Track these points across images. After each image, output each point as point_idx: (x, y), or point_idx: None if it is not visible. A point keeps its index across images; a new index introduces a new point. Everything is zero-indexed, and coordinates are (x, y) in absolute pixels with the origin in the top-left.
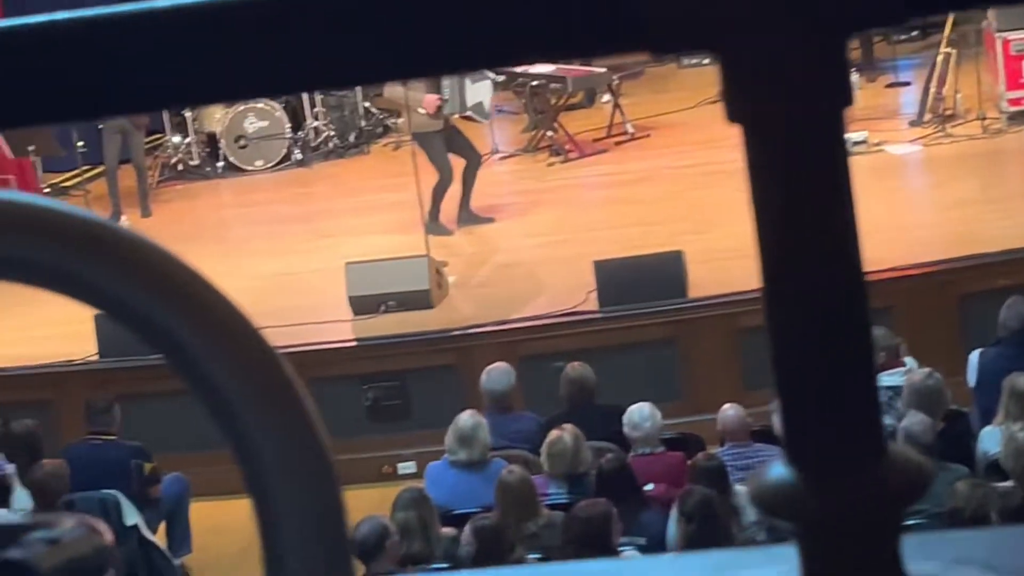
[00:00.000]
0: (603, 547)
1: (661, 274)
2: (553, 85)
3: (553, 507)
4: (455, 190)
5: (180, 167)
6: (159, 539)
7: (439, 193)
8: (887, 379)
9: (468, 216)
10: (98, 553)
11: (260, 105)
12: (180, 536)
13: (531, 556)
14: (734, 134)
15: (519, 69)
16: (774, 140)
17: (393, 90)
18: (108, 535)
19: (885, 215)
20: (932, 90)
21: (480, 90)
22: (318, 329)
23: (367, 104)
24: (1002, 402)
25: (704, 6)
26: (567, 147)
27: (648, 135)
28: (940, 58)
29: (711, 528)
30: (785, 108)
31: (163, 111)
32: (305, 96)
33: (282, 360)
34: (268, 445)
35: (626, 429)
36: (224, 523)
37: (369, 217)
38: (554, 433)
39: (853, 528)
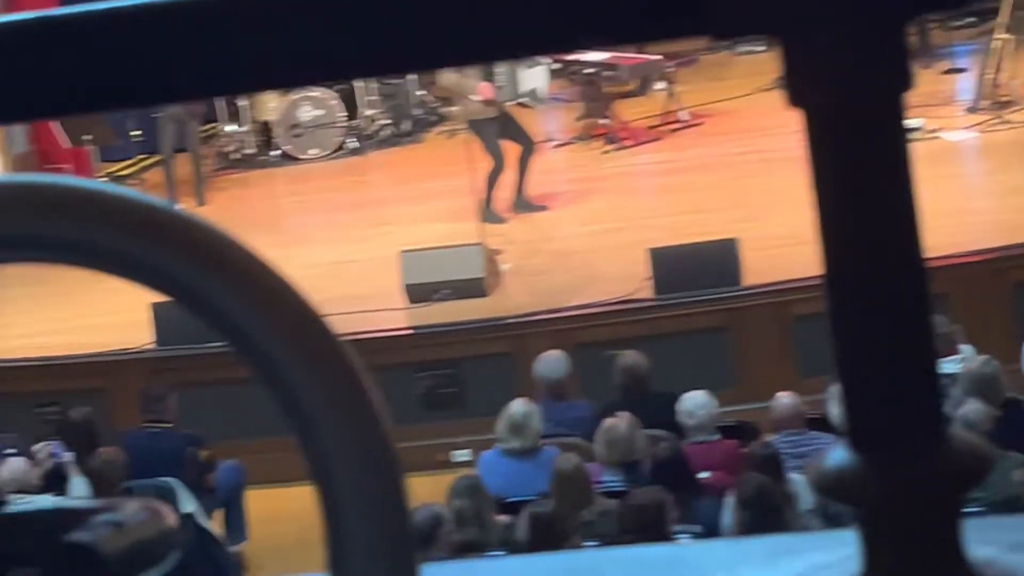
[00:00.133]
0: (658, 535)
1: (716, 262)
2: (607, 73)
3: (608, 495)
4: (509, 178)
5: (235, 156)
6: (215, 527)
7: (492, 181)
8: (944, 366)
9: (522, 204)
10: (163, 536)
11: (315, 94)
12: (236, 524)
13: (586, 543)
14: (788, 122)
15: (573, 57)
16: (835, 125)
17: (448, 78)
18: (172, 518)
19: (941, 202)
20: (988, 76)
21: (534, 76)
22: (373, 317)
23: (421, 92)
24: None
25: None
26: (621, 135)
27: (703, 123)
28: (997, 44)
29: (767, 516)
30: (846, 92)
31: (218, 98)
32: (360, 85)
33: (347, 347)
34: (333, 433)
35: (681, 417)
36: (280, 511)
37: (424, 205)
38: (609, 421)
39: (914, 512)
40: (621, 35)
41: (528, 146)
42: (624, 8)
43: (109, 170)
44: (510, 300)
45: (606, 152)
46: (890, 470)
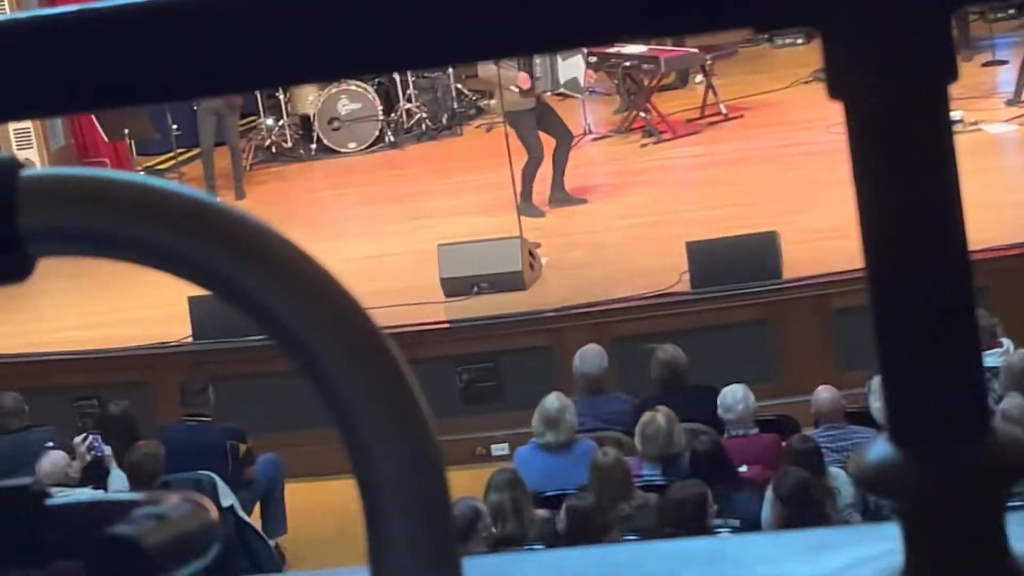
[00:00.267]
0: (698, 528)
1: (755, 255)
2: (646, 66)
3: (647, 488)
4: (547, 171)
5: (274, 149)
6: (254, 520)
7: (530, 173)
8: (985, 360)
9: (561, 197)
10: (205, 529)
11: (353, 87)
12: (275, 517)
13: (625, 537)
14: (827, 115)
15: (612, 50)
16: (877, 117)
17: (486, 69)
18: (214, 511)
19: (981, 195)
20: None
21: (573, 66)
22: (411, 311)
23: (459, 85)
24: None
25: None
26: (660, 128)
27: (742, 116)
28: None
29: (807, 510)
30: (888, 83)
31: (258, 92)
32: (398, 78)
33: (389, 340)
34: (374, 426)
35: (719, 411)
36: (319, 504)
37: (462, 199)
38: (648, 415)
39: (957, 506)
40: (660, 27)
41: (565, 138)
42: (663, 0)
43: (147, 164)
44: (548, 294)
45: (644, 145)
46: (932, 464)
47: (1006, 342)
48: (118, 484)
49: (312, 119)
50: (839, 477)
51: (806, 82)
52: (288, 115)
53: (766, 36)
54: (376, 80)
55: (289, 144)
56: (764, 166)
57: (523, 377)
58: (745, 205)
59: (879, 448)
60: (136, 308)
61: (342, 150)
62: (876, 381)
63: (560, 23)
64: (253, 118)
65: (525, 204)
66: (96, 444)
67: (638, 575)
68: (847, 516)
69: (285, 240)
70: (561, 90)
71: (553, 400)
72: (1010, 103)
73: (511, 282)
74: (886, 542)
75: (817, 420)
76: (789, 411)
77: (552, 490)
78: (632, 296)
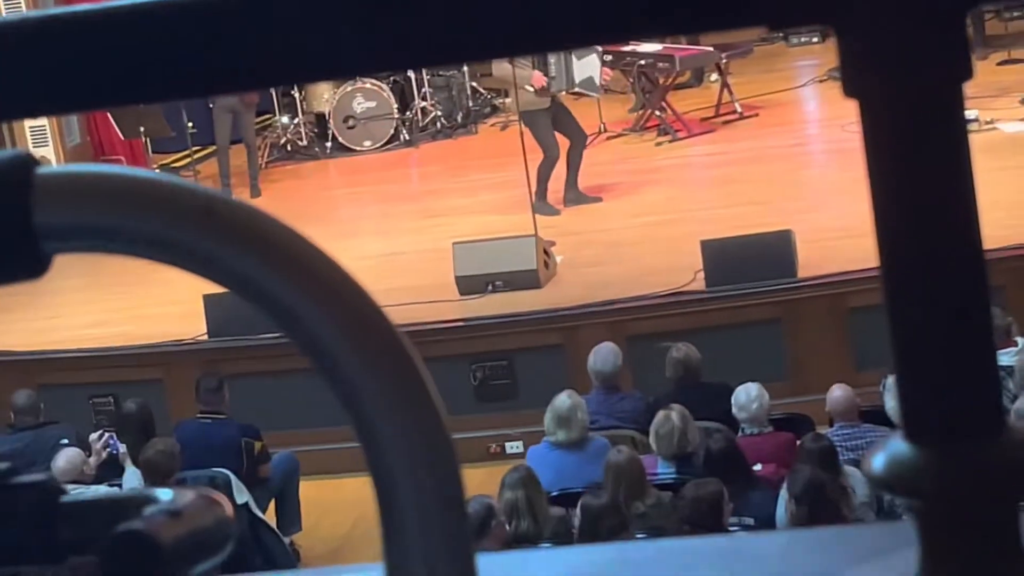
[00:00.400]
0: (714, 527)
1: (770, 254)
2: (661, 64)
3: (661, 487)
4: (562, 170)
5: (289, 147)
6: (269, 517)
7: (545, 172)
8: (1000, 359)
9: (575, 196)
10: (219, 526)
11: (368, 85)
12: (290, 514)
13: (640, 535)
14: (843, 113)
15: (627, 48)
16: (891, 114)
17: (501, 68)
18: (228, 508)
19: (996, 194)
20: None
21: (588, 65)
22: (426, 309)
23: (474, 84)
24: None
25: None
26: (675, 126)
27: (757, 114)
28: None
29: (821, 508)
30: (903, 82)
31: (273, 90)
32: (413, 76)
33: (404, 338)
34: (390, 423)
35: (734, 409)
36: (333, 501)
37: (476, 197)
38: (662, 413)
39: (973, 504)
40: (675, 25)
41: (580, 138)
42: None
43: (163, 162)
44: (563, 292)
45: (659, 144)
46: (948, 462)
47: (1021, 341)
48: (133, 481)
49: (327, 117)
50: (854, 476)
51: (821, 80)
52: (303, 113)
53: (781, 34)
54: (391, 78)
55: (304, 142)
56: (779, 164)
57: (537, 375)
58: (760, 204)
59: (893, 446)
60: (152, 306)
61: (357, 148)
62: (891, 380)
63: (573, 20)
64: (269, 116)
65: (540, 202)
66: (112, 441)
67: (651, 573)
68: (862, 515)
69: (300, 237)
70: (576, 89)
71: (564, 398)
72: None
73: (526, 280)
74: (900, 541)
75: (832, 419)
76: (804, 410)
77: (566, 488)
78: (647, 295)
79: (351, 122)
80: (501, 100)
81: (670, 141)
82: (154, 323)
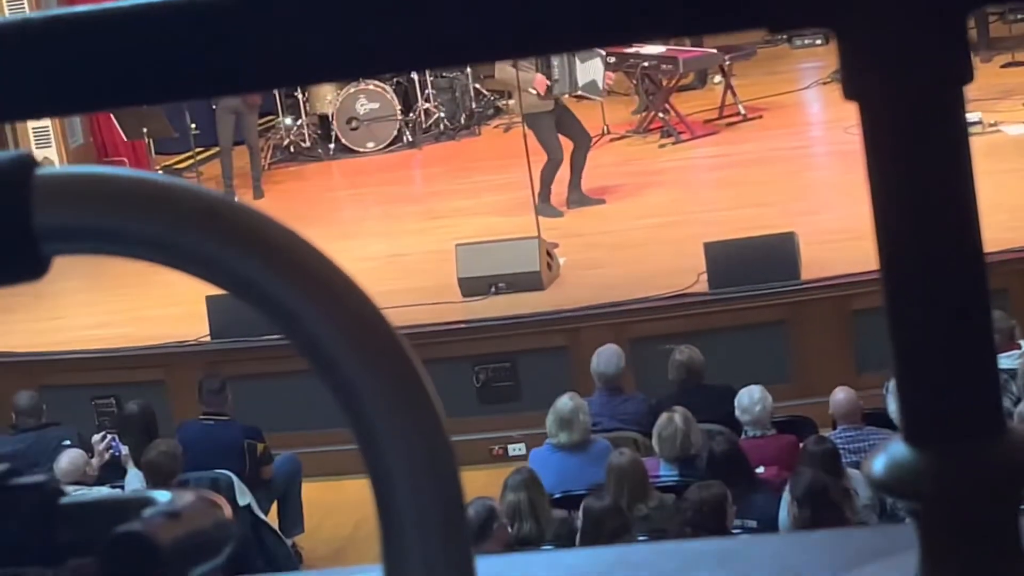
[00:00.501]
0: (718, 529)
1: (773, 256)
2: (664, 66)
3: (664, 489)
4: (565, 172)
5: (292, 149)
6: (271, 519)
7: (549, 174)
8: (1002, 362)
9: (579, 197)
10: (219, 528)
11: (371, 87)
12: (292, 516)
13: (642, 537)
14: (846, 115)
15: (630, 50)
16: (892, 117)
17: (504, 71)
18: (228, 510)
19: (999, 196)
20: None
21: (591, 68)
22: (429, 310)
23: (477, 86)
24: None
25: None
26: (678, 128)
27: (760, 116)
28: None
29: (824, 511)
30: (903, 84)
31: (276, 91)
32: (416, 78)
33: (404, 340)
34: (389, 425)
35: (736, 412)
36: (335, 503)
37: (480, 198)
38: (665, 415)
39: (973, 507)
40: (677, 27)
41: (584, 140)
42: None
43: (166, 163)
44: (566, 294)
45: (663, 145)
46: (948, 464)
47: None
48: (135, 483)
49: (330, 118)
50: (856, 478)
51: (825, 83)
52: (307, 114)
53: (785, 36)
54: (394, 80)
55: (307, 143)
56: (783, 166)
57: (540, 377)
58: (763, 206)
59: (894, 449)
60: (154, 307)
61: (360, 149)
62: (893, 382)
63: (576, 22)
64: (271, 117)
65: (543, 204)
66: (114, 443)
67: (652, 575)
68: (864, 517)
69: (300, 239)
70: (579, 92)
71: (566, 401)
72: None
73: (529, 282)
74: (902, 543)
75: (834, 421)
76: (807, 412)
77: (569, 490)
78: (650, 297)
79: (354, 123)
80: (504, 102)
81: (673, 143)
82: (156, 324)
